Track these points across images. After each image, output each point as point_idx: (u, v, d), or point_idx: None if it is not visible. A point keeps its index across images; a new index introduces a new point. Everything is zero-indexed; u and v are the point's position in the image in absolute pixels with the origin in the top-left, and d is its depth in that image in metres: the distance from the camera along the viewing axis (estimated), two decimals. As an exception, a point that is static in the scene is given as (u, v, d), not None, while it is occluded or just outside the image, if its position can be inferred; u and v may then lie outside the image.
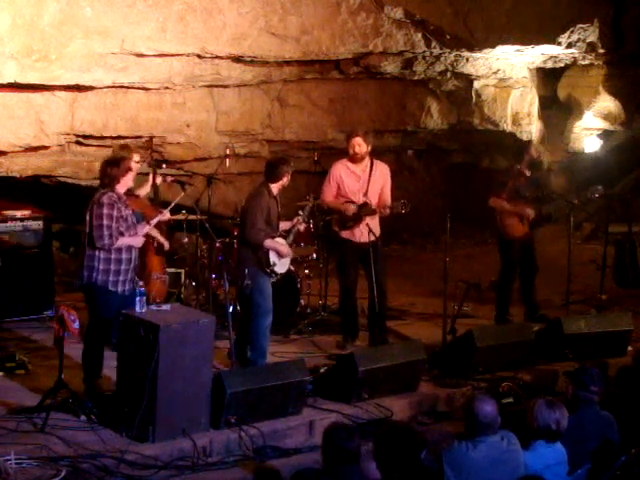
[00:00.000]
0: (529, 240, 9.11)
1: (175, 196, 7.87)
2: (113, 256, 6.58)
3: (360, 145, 7.99)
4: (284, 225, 7.80)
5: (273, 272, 7.48)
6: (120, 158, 6.91)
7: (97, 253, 6.55)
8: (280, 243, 7.54)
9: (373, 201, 8.04)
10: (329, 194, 8.14)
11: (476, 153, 13.66)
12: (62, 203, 10.85)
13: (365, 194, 8.04)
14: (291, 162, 7.76)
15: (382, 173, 8.17)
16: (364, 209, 8.02)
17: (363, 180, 8.07)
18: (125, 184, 6.73)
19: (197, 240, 8.78)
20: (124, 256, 6.64)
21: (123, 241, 6.61)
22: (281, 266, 7.58)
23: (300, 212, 7.98)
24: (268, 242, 7.40)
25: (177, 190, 8.47)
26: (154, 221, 7.11)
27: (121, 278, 6.62)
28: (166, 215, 7.43)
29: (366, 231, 7.91)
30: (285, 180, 7.53)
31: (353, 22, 8.94)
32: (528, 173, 8.97)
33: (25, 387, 6.94)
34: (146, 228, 6.99)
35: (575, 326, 7.99)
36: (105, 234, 6.49)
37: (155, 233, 7.94)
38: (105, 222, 6.50)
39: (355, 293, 8.25)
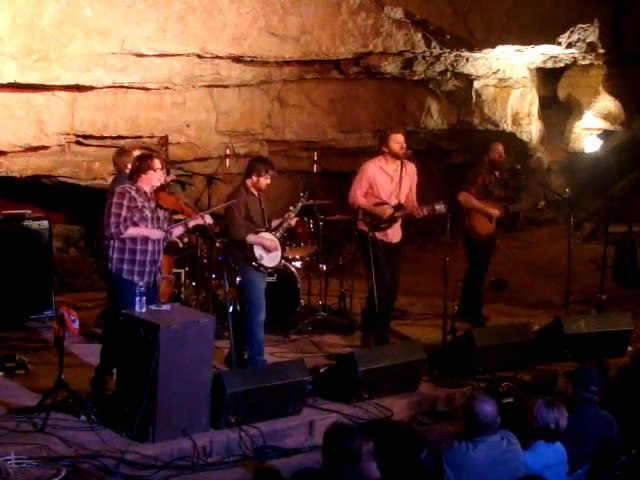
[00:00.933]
0: (493, 240, 9.11)
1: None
2: (127, 246, 6.56)
3: (404, 142, 7.84)
4: (276, 222, 7.75)
5: (261, 266, 7.40)
6: (148, 155, 6.86)
7: (112, 242, 6.56)
8: (265, 237, 7.45)
9: (402, 201, 7.96)
10: (360, 195, 7.93)
11: (476, 153, 13.64)
12: (62, 203, 10.88)
13: (397, 195, 7.96)
14: (271, 163, 7.53)
15: (411, 173, 8.07)
16: (400, 211, 7.93)
17: (395, 180, 7.95)
18: (148, 181, 6.63)
19: (197, 240, 8.78)
20: (139, 247, 6.60)
21: (136, 231, 6.56)
22: (270, 260, 7.48)
23: (291, 207, 7.90)
24: (251, 237, 7.35)
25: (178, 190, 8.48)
26: (191, 223, 6.95)
27: (137, 268, 6.58)
28: (207, 219, 6.96)
29: (397, 232, 7.97)
30: (258, 180, 7.36)
31: (353, 22, 8.95)
32: (497, 174, 8.96)
33: (25, 387, 6.93)
34: (179, 228, 6.94)
35: (575, 326, 7.99)
36: (112, 222, 6.48)
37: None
38: (113, 210, 6.49)
39: (388, 295, 8.04)
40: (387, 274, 7.92)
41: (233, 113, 10.13)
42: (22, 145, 8.85)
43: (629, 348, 8.07)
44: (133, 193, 6.57)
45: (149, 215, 6.66)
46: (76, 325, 6.36)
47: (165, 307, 6.45)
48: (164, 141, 8.80)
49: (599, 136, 13.59)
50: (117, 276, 6.60)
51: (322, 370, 7.22)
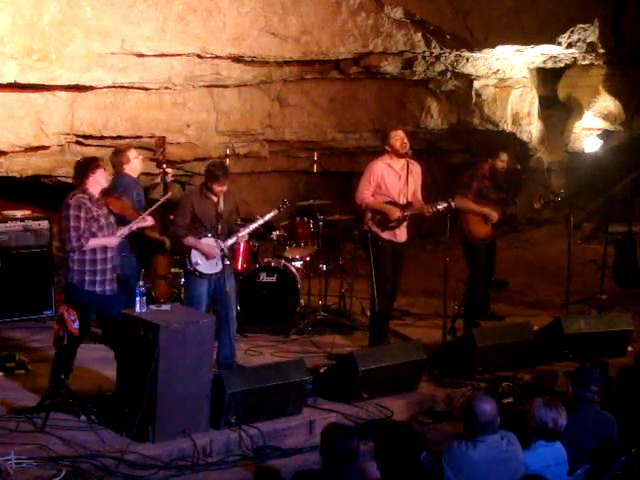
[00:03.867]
0: (492, 242, 9.08)
1: (174, 196, 7.87)
2: (87, 257, 6.56)
3: (405, 138, 7.82)
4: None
5: (196, 271, 7.20)
6: (90, 159, 6.87)
7: (71, 255, 6.55)
8: (204, 243, 7.22)
9: (410, 200, 7.93)
10: (368, 194, 7.87)
11: (476, 153, 13.65)
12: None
13: (405, 194, 7.92)
14: (226, 171, 7.26)
15: (417, 172, 8.03)
16: (409, 209, 7.90)
17: (403, 179, 7.89)
18: (95, 183, 6.63)
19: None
20: (99, 257, 6.61)
21: (96, 242, 6.57)
22: (208, 266, 7.23)
23: (257, 217, 7.73)
24: (189, 240, 7.20)
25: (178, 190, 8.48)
26: (134, 225, 6.94)
27: (98, 278, 6.59)
28: (148, 221, 7.07)
29: (404, 231, 7.96)
30: (212, 186, 7.14)
31: (353, 22, 8.95)
32: (492, 180, 8.91)
33: (25, 387, 6.94)
34: (125, 230, 6.87)
35: (575, 326, 7.99)
36: (72, 236, 6.47)
37: (154, 234, 7.93)
38: (72, 224, 6.48)
39: (390, 295, 8.07)
40: (390, 275, 7.91)
41: (233, 113, 10.13)
42: (22, 145, 8.85)
43: (629, 348, 8.08)
44: (88, 203, 6.56)
45: (104, 222, 6.65)
46: (76, 325, 6.36)
47: (165, 307, 6.46)
48: (162, 142, 8.74)
49: (599, 136, 13.58)
50: (79, 288, 6.57)
51: (322, 370, 7.22)
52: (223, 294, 7.25)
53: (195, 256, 7.20)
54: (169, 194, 7.66)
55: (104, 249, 6.65)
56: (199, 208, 7.24)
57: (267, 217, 7.78)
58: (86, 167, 6.64)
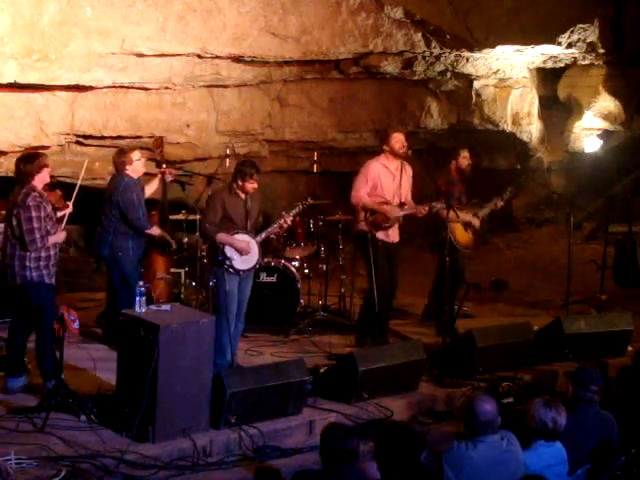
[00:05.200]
0: (470, 250, 8.85)
1: (174, 196, 7.86)
2: (42, 254, 6.61)
3: (405, 141, 7.84)
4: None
5: (231, 267, 7.21)
6: (34, 154, 6.87)
7: (28, 254, 6.57)
8: (237, 239, 7.25)
9: (404, 201, 7.97)
10: (364, 193, 7.89)
11: (476, 153, 13.65)
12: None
13: (399, 194, 7.96)
14: (257, 167, 7.31)
15: (409, 173, 8.08)
16: (404, 210, 7.93)
17: (397, 180, 7.95)
18: (41, 180, 6.67)
19: (197, 240, 8.78)
20: (52, 252, 6.69)
21: (53, 240, 6.65)
22: (242, 262, 7.26)
23: (284, 213, 7.75)
24: (221, 236, 7.20)
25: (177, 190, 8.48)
26: (60, 214, 6.96)
27: (52, 271, 6.70)
28: (70, 208, 7.02)
29: (397, 232, 7.98)
30: (243, 184, 7.19)
31: (353, 22, 8.95)
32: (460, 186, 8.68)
33: (25, 387, 6.93)
34: (62, 225, 6.93)
35: (575, 326, 7.99)
36: (37, 238, 6.51)
37: (161, 232, 7.93)
38: (35, 225, 6.51)
39: (388, 294, 8.08)
40: (387, 274, 7.93)
41: (233, 113, 10.13)
42: (22, 145, 8.85)
43: (629, 348, 8.07)
44: (43, 203, 6.59)
45: (54, 218, 6.75)
46: (76, 325, 6.38)
47: (165, 307, 6.46)
48: (160, 142, 8.69)
49: (599, 136, 13.58)
50: (39, 283, 6.61)
51: (322, 370, 7.21)
52: (244, 292, 7.34)
53: (229, 252, 7.22)
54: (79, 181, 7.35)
55: (54, 244, 6.73)
56: (229, 206, 7.26)
57: (292, 213, 7.78)
58: (33, 166, 6.62)
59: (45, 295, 6.68)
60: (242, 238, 7.27)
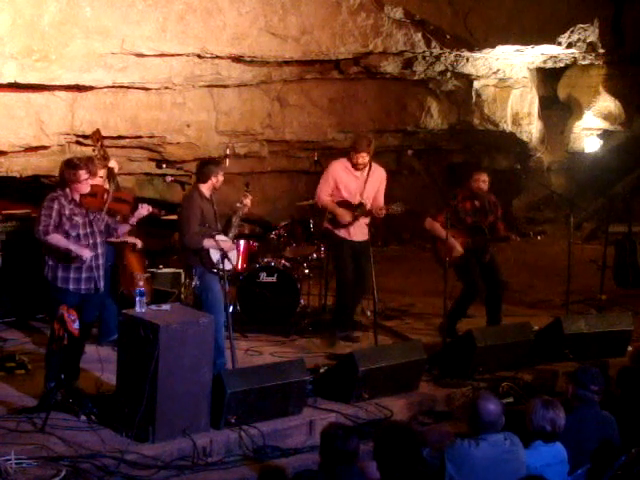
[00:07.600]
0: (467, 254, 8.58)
1: (174, 196, 7.83)
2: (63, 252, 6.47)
3: (364, 158, 8.09)
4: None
5: (220, 270, 7.23)
6: (76, 165, 6.56)
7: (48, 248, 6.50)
8: (220, 240, 7.28)
9: (367, 203, 8.13)
10: (326, 192, 8.18)
11: (476, 153, 13.67)
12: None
13: (361, 194, 8.13)
14: (222, 163, 7.45)
15: (379, 177, 8.27)
16: (360, 209, 8.11)
17: (361, 181, 8.15)
18: (76, 191, 6.54)
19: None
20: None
21: (63, 242, 6.41)
22: (226, 263, 7.29)
23: (238, 204, 7.73)
24: (206, 242, 7.23)
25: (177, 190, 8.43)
26: (133, 219, 6.90)
27: (72, 275, 6.49)
28: (145, 208, 6.91)
29: (362, 231, 8.12)
30: (215, 181, 7.29)
31: (353, 22, 8.96)
32: (477, 203, 8.53)
33: (25, 387, 6.93)
34: (126, 227, 6.96)
35: (575, 326, 7.99)
36: (41, 221, 6.41)
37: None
38: (44, 212, 6.44)
39: (353, 288, 8.21)
40: (351, 268, 8.12)
41: (233, 113, 10.13)
42: (22, 145, 8.85)
43: (629, 348, 8.07)
44: (63, 201, 6.49)
45: (80, 221, 6.52)
46: (76, 325, 6.35)
47: (165, 307, 6.46)
48: (98, 135, 8.22)
49: (599, 136, 13.60)
50: (52, 284, 6.52)
51: (322, 370, 7.21)
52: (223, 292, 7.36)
53: (215, 255, 7.24)
54: None
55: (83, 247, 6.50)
56: (205, 210, 7.30)
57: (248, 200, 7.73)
58: (64, 178, 6.54)
59: (54, 299, 6.51)
60: (223, 239, 7.33)
